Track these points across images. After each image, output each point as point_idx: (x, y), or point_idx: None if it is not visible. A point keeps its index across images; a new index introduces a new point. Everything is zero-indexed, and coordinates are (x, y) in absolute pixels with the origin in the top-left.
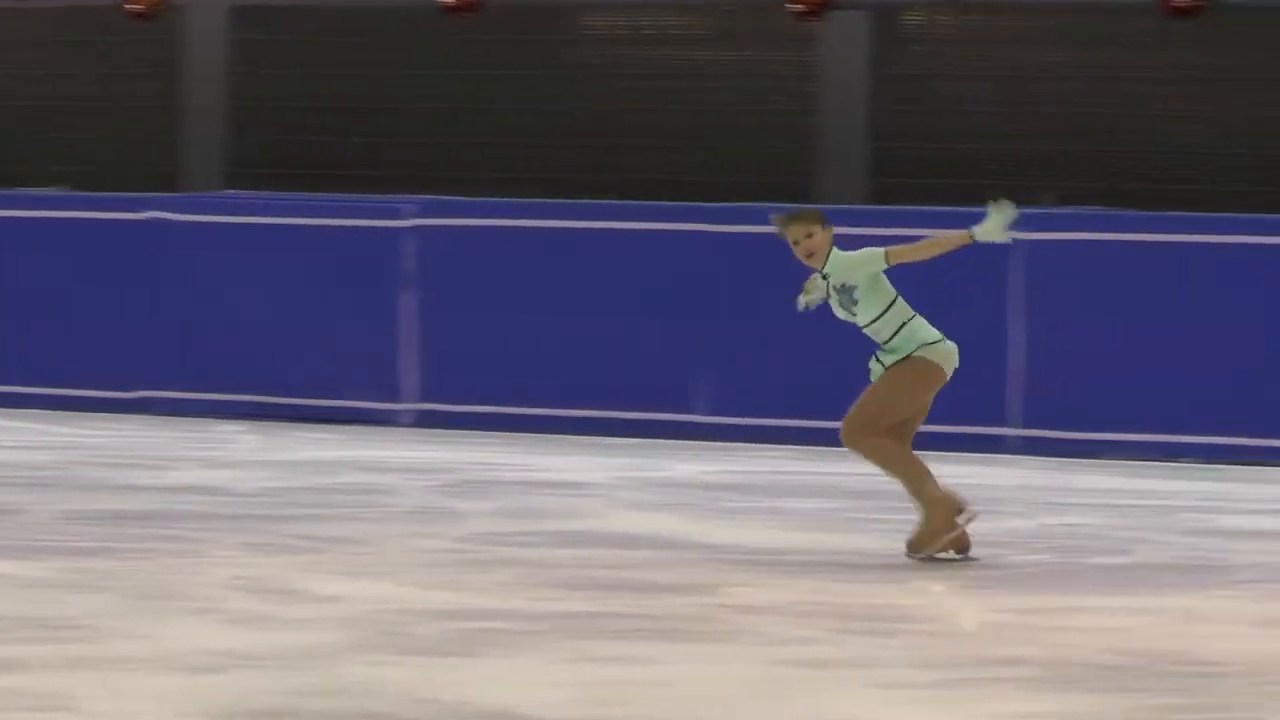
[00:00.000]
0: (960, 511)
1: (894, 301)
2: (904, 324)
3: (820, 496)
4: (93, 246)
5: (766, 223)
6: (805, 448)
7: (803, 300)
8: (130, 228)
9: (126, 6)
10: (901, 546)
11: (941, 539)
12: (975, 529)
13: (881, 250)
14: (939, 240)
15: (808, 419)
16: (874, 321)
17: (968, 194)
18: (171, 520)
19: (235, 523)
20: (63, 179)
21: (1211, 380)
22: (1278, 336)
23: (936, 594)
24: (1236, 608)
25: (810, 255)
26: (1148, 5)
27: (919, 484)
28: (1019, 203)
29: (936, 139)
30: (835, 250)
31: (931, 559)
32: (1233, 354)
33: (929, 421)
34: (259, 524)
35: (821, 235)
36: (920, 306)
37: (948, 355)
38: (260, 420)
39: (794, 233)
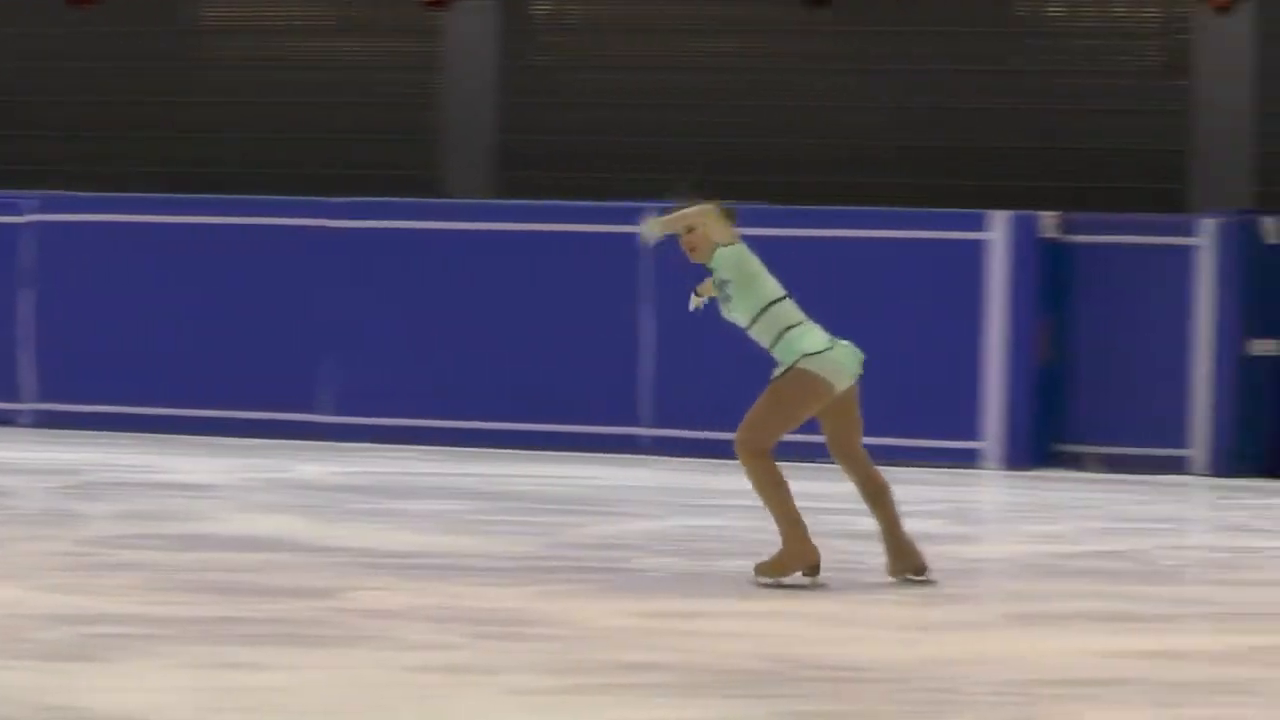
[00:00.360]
0: (810, 572)
1: (770, 305)
2: (783, 332)
3: (449, 498)
4: None
5: (390, 216)
6: (432, 448)
7: (694, 301)
8: None
9: None
10: (525, 549)
11: (787, 575)
12: (608, 529)
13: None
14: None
15: (435, 419)
16: (751, 325)
17: (597, 188)
18: None
19: None
20: None
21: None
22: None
23: (567, 598)
24: (875, 612)
25: (692, 250)
26: None
27: (784, 516)
28: (651, 196)
29: (566, 131)
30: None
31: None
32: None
33: (557, 420)
34: None
35: (702, 230)
36: (553, 305)
37: (835, 366)
38: None
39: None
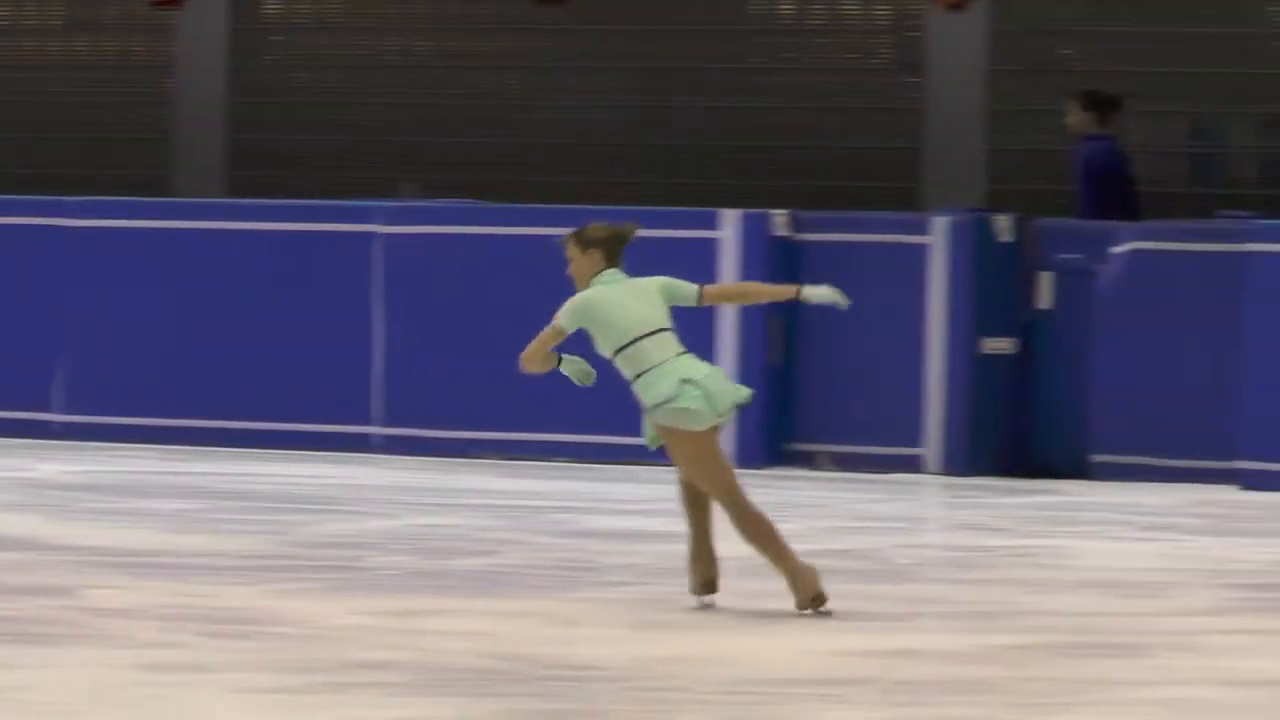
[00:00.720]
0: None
1: (628, 345)
2: (640, 375)
3: (182, 497)
4: None
5: (120, 215)
6: (168, 447)
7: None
8: None
9: None
10: (258, 548)
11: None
12: (341, 528)
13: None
14: (763, 290)
15: (170, 418)
16: (616, 363)
17: (330, 186)
18: None
19: None
20: None
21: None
22: None
23: (300, 596)
24: (608, 610)
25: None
26: None
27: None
28: (382, 194)
29: (297, 130)
30: (613, 274)
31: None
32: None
33: (291, 419)
34: None
35: (580, 260)
36: (284, 304)
37: (690, 414)
38: None
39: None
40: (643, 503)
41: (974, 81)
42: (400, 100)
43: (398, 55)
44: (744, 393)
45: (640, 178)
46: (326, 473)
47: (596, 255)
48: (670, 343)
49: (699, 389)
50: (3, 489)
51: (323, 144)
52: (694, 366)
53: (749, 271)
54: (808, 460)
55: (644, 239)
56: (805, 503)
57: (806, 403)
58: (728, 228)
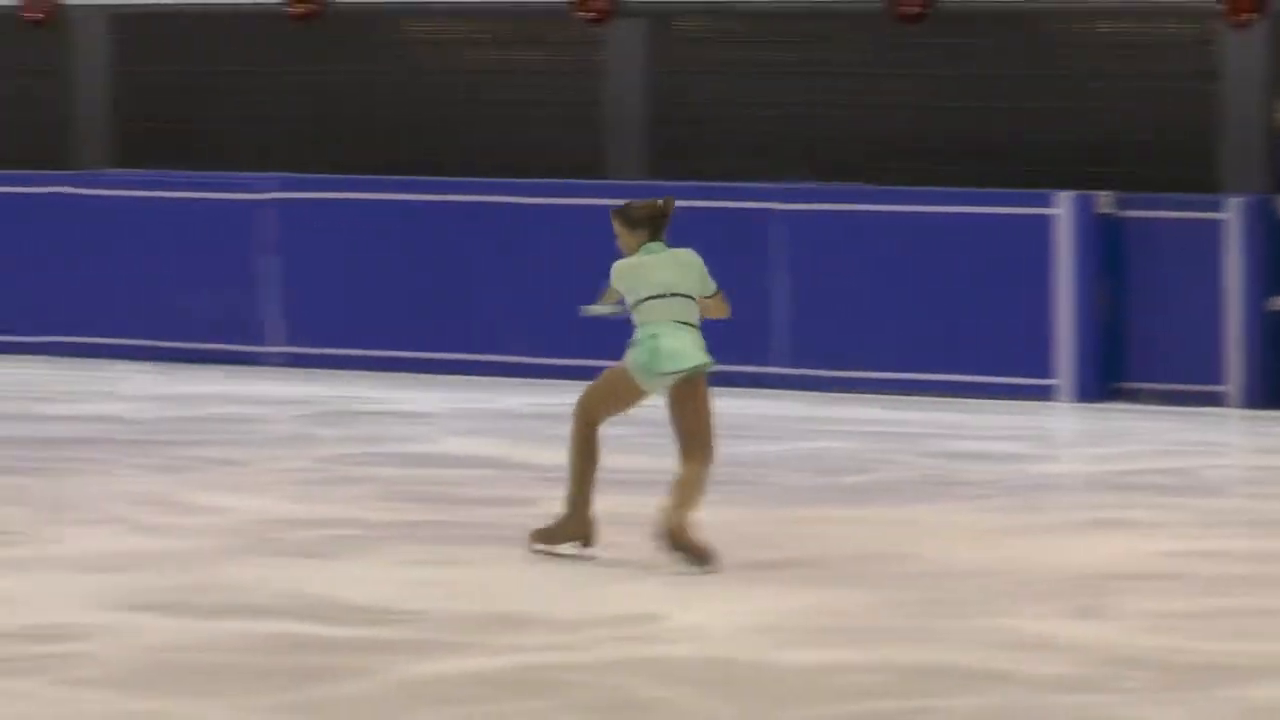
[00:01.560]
0: (585, 543)
1: (640, 302)
2: (639, 328)
3: (626, 425)
4: None
5: (553, 194)
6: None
7: (589, 310)
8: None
9: (26, 15)
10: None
11: (561, 544)
12: (746, 450)
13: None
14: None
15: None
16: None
17: (728, 171)
18: (75, 445)
19: (131, 447)
20: None
21: (940, 325)
22: (974, 293)
23: (715, 506)
24: (963, 519)
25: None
26: (879, 11)
27: (579, 486)
28: (775, 179)
29: (704, 126)
30: (656, 246)
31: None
32: (950, 306)
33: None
34: (151, 448)
35: (626, 235)
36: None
37: (640, 370)
38: (148, 360)
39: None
40: (999, 431)
41: (1258, 85)
42: (787, 100)
43: (784, 64)
44: (689, 363)
45: (978, 165)
46: (735, 405)
47: (641, 231)
48: (674, 308)
49: (648, 353)
50: (472, 419)
51: (725, 137)
52: (670, 333)
53: (1079, 243)
54: (1133, 396)
55: (993, 215)
56: (1131, 431)
57: (1132, 349)
58: (1061, 206)
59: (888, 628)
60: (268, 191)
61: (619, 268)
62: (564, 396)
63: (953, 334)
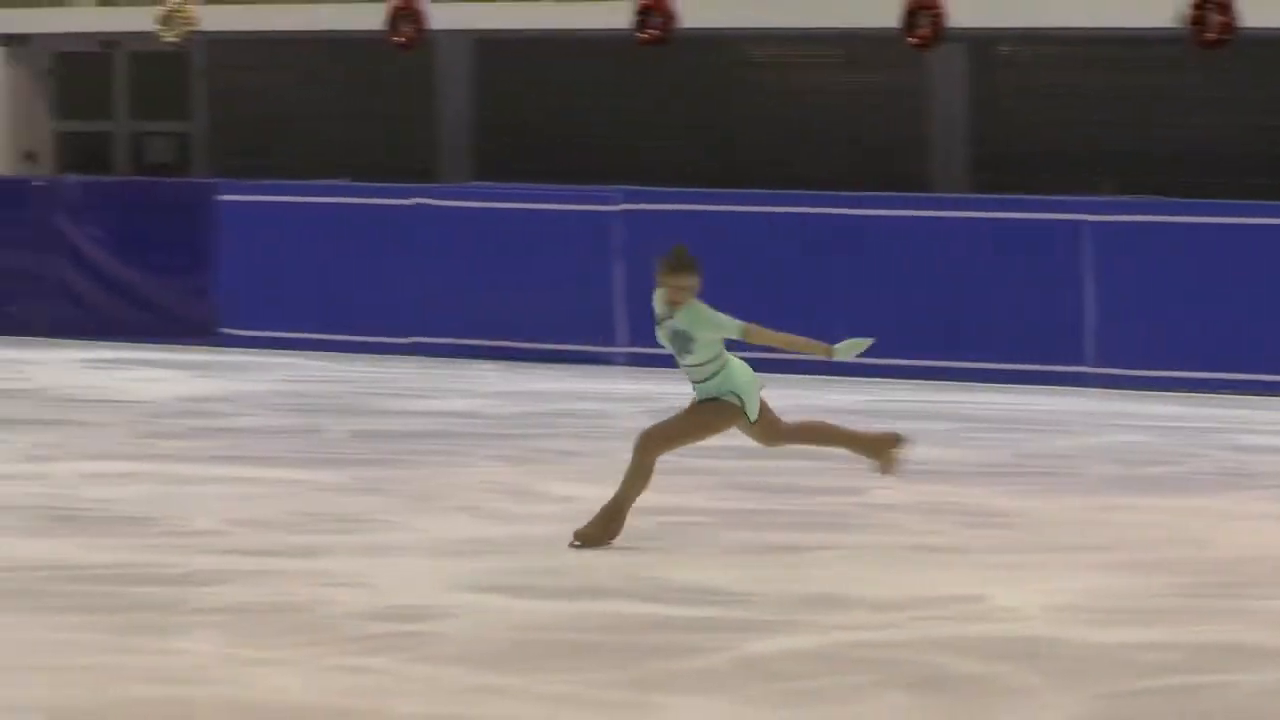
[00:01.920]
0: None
1: (720, 353)
2: (719, 371)
3: (932, 419)
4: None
5: (872, 207)
6: (923, 382)
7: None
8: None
9: (393, 38)
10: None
11: (602, 543)
12: (1059, 444)
13: (740, 325)
14: (799, 341)
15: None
16: (697, 366)
17: (1048, 185)
18: (437, 438)
19: (486, 440)
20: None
21: (1235, 328)
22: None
23: (1024, 496)
24: (1262, 507)
25: (676, 303)
26: (1185, 36)
27: (627, 503)
28: (1083, 192)
29: (1020, 143)
30: (694, 302)
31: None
32: (1244, 311)
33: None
34: (505, 441)
35: (697, 283)
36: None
37: (749, 395)
38: (503, 360)
39: (677, 280)
40: None
41: None
42: (1098, 119)
43: (1096, 86)
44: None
45: (1272, 179)
46: (1046, 403)
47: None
48: None
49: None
50: (800, 414)
51: (1040, 153)
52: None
53: None
54: None
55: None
56: None
57: None
58: None
59: (1186, 608)
60: (616, 204)
61: (731, 323)
62: (882, 394)
63: (1247, 336)
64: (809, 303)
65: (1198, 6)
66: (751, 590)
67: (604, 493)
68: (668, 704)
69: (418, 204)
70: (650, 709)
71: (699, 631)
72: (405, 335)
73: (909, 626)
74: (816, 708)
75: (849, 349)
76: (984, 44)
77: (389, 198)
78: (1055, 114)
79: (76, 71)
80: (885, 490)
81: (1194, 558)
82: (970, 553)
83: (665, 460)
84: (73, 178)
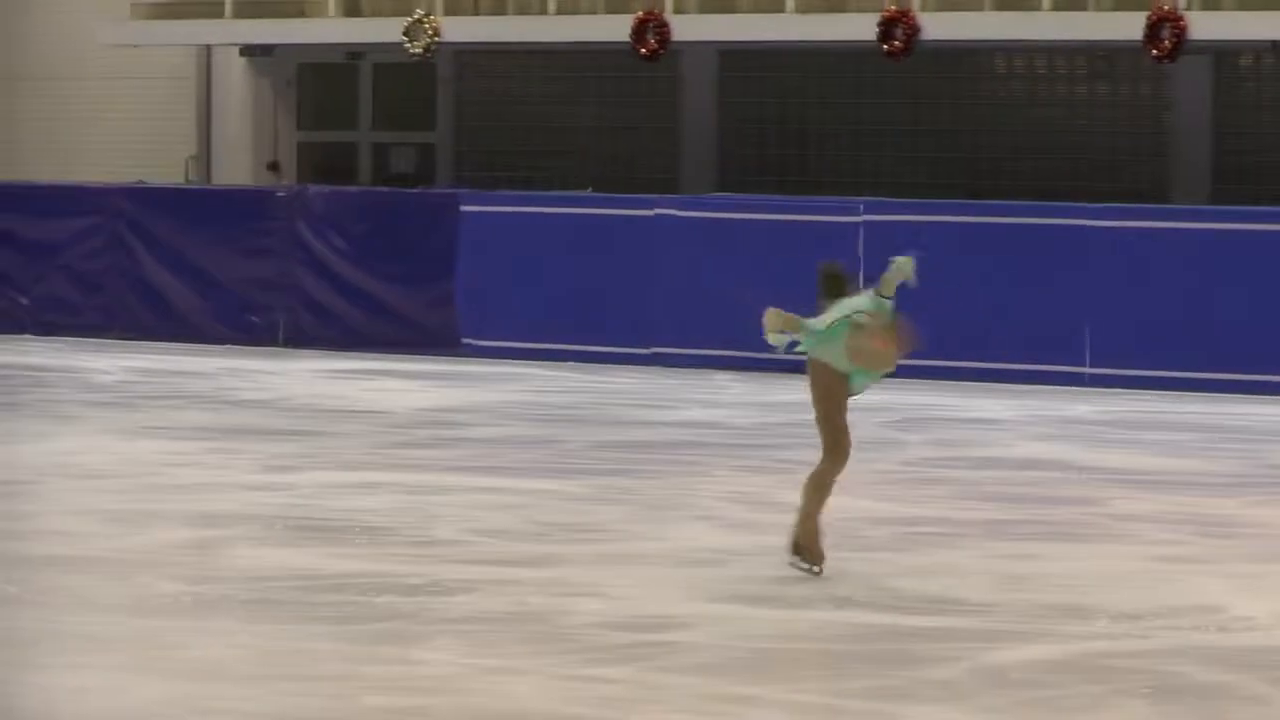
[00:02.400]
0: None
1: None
2: None
3: (1176, 430)
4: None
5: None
6: (1177, 393)
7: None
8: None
9: (638, 50)
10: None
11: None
12: None
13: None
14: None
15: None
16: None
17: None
18: (677, 448)
19: (727, 450)
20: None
21: None
22: None
23: (1266, 506)
24: None
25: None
26: None
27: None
28: None
29: (1264, 154)
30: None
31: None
32: None
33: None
34: (746, 450)
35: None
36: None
37: None
38: (744, 370)
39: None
40: None
41: None
42: None
43: None
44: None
45: None
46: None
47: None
48: None
49: None
50: (1044, 424)
51: (1276, 163)
52: None
53: None
54: None
55: None
56: None
57: None
58: None
59: None
60: (858, 214)
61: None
62: (1129, 404)
63: None
64: (1049, 312)
65: None
66: (991, 600)
67: (842, 502)
68: (909, 713)
69: (659, 214)
70: (892, 718)
71: (939, 641)
72: (646, 345)
73: (1148, 636)
74: (1056, 716)
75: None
76: (1226, 55)
77: (630, 208)
78: None
79: (320, 82)
80: (1126, 500)
81: None
82: (1210, 563)
83: (905, 472)
84: (315, 188)
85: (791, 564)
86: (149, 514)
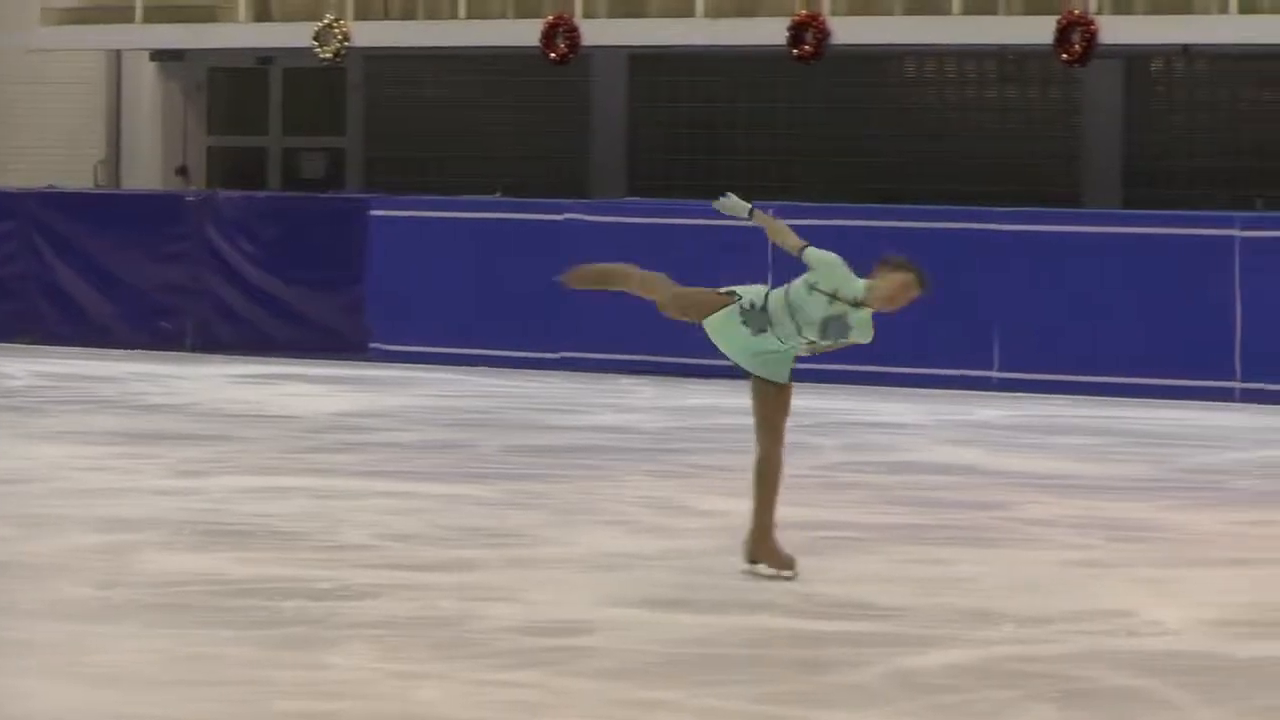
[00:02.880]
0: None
1: None
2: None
3: (1086, 434)
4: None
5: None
6: (1077, 397)
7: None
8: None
9: (547, 54)
10: (1143, 473)
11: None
12: (1207, 458)
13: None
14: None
15: (1083, 374)
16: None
17: (1197, 201)
18: (588, 452)
19: (637, 454)
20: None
21: None
22: None
23: (1175, 510)
24: None
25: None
26: None
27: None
28: (1233, 207)
29: (1174, 158)
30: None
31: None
32: None
33: (1168, 375)
34: (656, 455)
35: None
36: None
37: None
38: (654, 375)
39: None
40: None
41: None
42: (1255, 136)
43: (1249, 102)
44: None
45: None
46: (1196, 418)
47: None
48: None
49: None
50: (953, 429)
51: (1194, 169)
52: None
53: None
54: None
55: None
56: None
57: None
58: None
59: None
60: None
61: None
62: (1034, 409)
63: None
64: (958, 318)
65: None
66: (902, 605)
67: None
68: (820, 718)
69: (569, 219)
70: None
71: (850, 646)
72: (556, 350)
73: (1058, 640)
74: None
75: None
76: (1137, 60)
77: (540, 213)
78: (1205, 130)
79: (230, 87)
80: (1036, 505)
81: None
82: (1119, 567)
83: (816, 476)
84: (225, 193)
85: (755, 573)
86: (57, 518)
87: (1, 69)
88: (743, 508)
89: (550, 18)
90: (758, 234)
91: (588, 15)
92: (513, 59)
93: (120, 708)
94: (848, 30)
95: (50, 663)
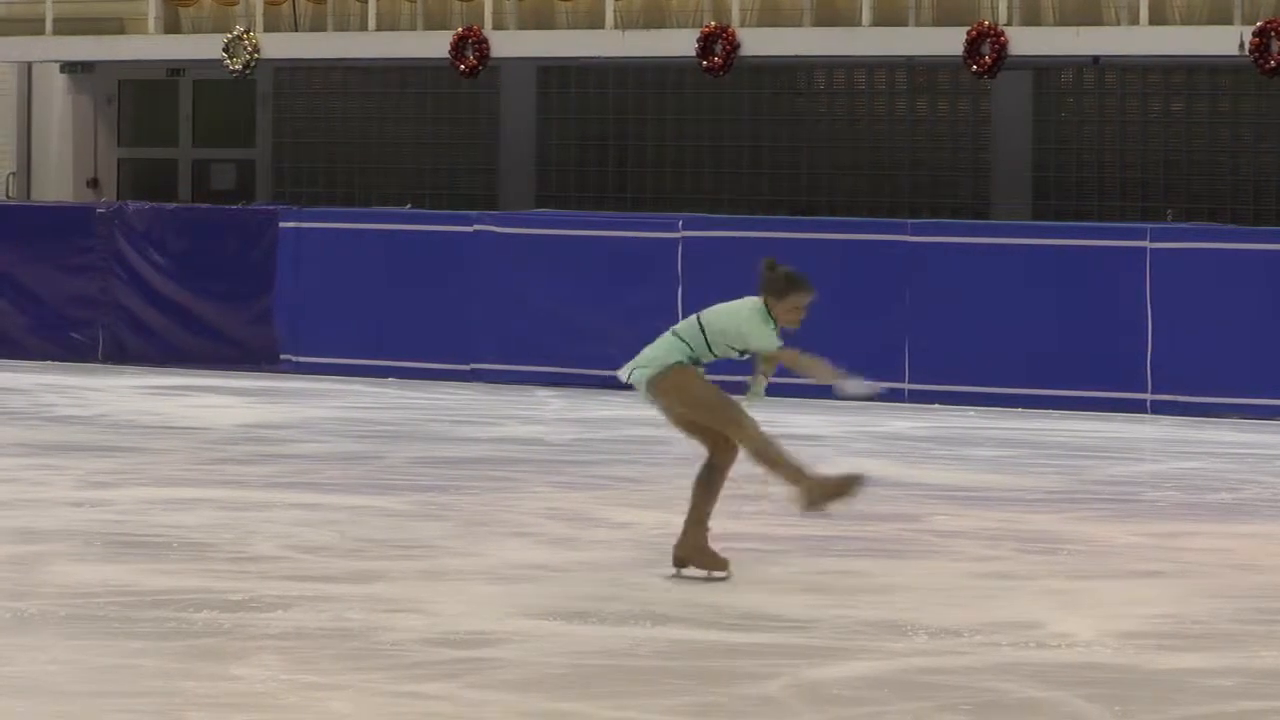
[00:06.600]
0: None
1: None
2: None
3: (996, 446)
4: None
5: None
6: (985, 408)
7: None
8: (462, 238)
9: (456, 66)
10: (1055, 485)
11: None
12: (1118, 470)
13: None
14: (815, 365)
15: (994, 386)
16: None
17: (1108, 213)
18: (496, 464)
19: (545, 466)
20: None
21: None
22: None
23: (1088, 522)
24: None
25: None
26: (1244, 65)
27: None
28: (1144, 218)
29: (1084, 170)
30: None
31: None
32: None
33: (1080, 387)
34: (564, 466)
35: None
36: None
37: None
38: (563, 386)
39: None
40: None
41: None
42: (1162, 147)
43: (1157, 114)
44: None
45: None
46: (1108, 429)
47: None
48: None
49: None
50: (866, 440)
51: (1103, 180)
52: None
53: None
54: None
55: None
56: None
57: None
58: None
59: (1245, 634)
60: (675, 231)
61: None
62: (945, 420)
63: None
64: (869, 330)
65: (1259, 35)
66: (810, 616)
67: (662, 518)
68: None
69: (478, 230)
70: None
71: (757, 657)
72: (466, 362)
73: (968, 652)
74: None
75: (857, 387)
76: (1046, 71)
77: (450, 224)
78: (1116, 141)
79: (140, 99)
80: (946, 516)
81: (1253, 584)
82: (1030, 579)
83: (726, 487)
84: (135, 204)
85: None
86: None
87: None
88: (650, 519)
89: (459, 30)
90: (666, 247)
91: (497, 27)
92: (422, 71)
93: (32, 719)
94: (757, 42)
95: None
